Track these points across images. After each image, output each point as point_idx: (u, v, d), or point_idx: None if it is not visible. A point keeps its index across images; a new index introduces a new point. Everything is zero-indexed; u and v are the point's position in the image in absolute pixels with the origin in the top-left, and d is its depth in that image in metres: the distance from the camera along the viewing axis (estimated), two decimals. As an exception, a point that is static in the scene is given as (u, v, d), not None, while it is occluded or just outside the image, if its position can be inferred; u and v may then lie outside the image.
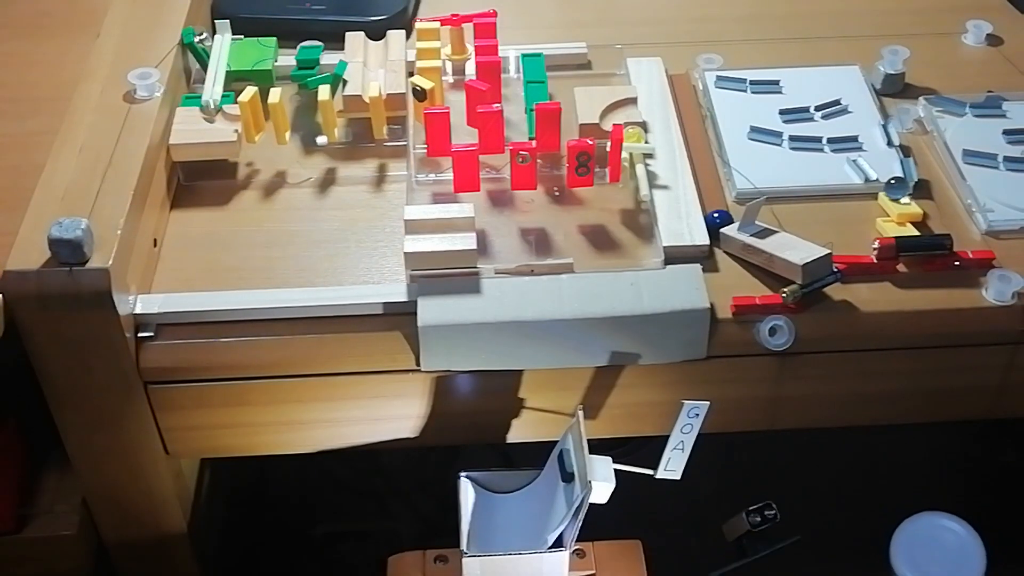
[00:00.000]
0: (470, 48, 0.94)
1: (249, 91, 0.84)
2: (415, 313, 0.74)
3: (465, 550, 0.72)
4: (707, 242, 0.79)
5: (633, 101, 0.88)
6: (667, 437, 0.71)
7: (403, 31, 0.96)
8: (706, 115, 0.91)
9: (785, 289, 0.75)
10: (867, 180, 0.84)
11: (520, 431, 0.80)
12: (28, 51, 0.93)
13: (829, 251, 0.75)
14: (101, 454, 0.78)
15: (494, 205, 0.82)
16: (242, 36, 0.93)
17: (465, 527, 0.73)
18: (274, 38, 0.93)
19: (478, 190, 0.81)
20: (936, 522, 0.84)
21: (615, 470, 0.70)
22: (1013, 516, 1.02)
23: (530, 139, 0.86)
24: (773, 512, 0.85)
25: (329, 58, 0.91)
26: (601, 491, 0.70)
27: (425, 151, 0.84)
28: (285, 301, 0.75)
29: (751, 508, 0.86)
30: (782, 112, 0.90)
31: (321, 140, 0.87)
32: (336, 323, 0.75)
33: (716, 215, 0.80)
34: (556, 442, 0.80)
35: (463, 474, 0.76)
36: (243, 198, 0.84)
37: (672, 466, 0.72)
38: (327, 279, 0.78)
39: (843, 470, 1.07)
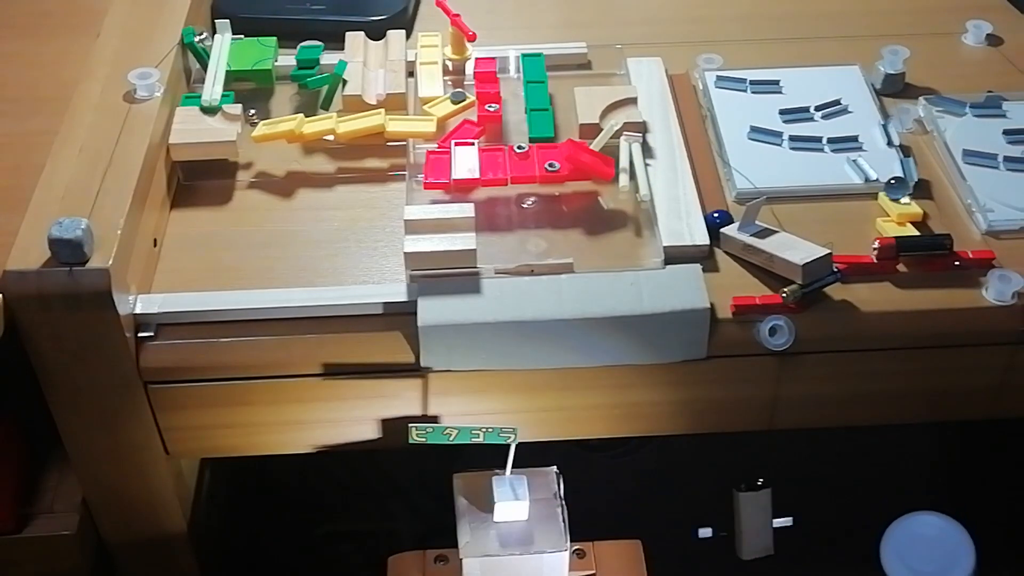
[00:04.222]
0: (470, 48, 0.94)
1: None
2: (415, 313, 0.74)
3: (464, 550, 0.72)
4: (707, 242, 0.79)
5: (633, 101, 0.88)
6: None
7: (403, 31, 0.96)
8: (706, 115, 0.91)
9: (785, 289, 0.75)
10: (867, 180, 0.84)
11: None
12: (28, 51, 0.93)
13: (829, 251, 0.75)
14: (101, 454, 0.78)
15: (494, 205, 0.82)
16: (242, 36, 0.93)
17: (464, 527, 0.73)
18: (274, 38, 0.93)
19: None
20: (925, 520, 0.85)
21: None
22: (1005, 513, 1.02)
23: (531, 141, 0.86)
24: (759, 482, 0.87)
25: (329, 58, 0.91)
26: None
27: (424, 152, 0.84)
28: (285, 301, 0.75)
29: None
30: (782, 112, 0.90)
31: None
32: (336, 323, 0.75)
33: (716, 215, 0.80)
34: (556, 442, 0.80)
35: (461, 474, 0.76)
36: (243, 198, 0.84)
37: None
38: (327, 279, 0.78)
39: (840, 467, 1.07)
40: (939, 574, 0.83)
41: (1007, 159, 0.86)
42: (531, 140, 0.86)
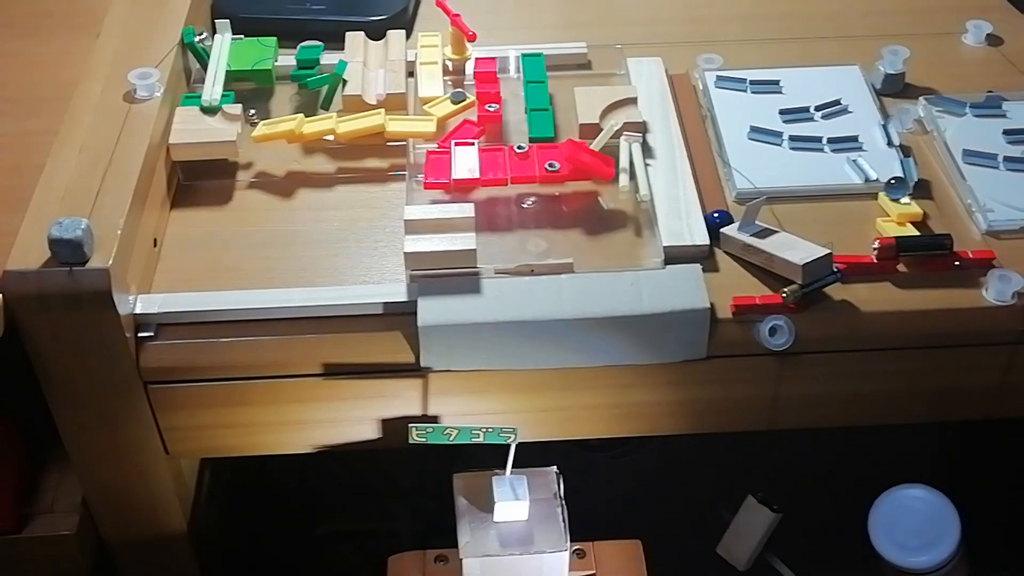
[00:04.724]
0: (470, 48, 0.94)
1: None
2: (415, 313, 0.74)
3: (464, 550, 0.72)
4: (707, 242, 0.79)
5: (633, 101, 0.88)
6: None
7: (403, 31, 0.96)
8: (706, 115, 0.90)
9: (785, 289, 0.75)
10: (867, 180, 0.84)
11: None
12: (29, 51, 0.93)
13: (829, 251, 0.75)
14: (101, 454, 0.78)
15: (494, 205, 0.82)
16: (242, 36, 0.93)
17: (464, 527, 0.73)
18: (274, 38, 0.93)
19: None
20: (909, 494, 0.85)
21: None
22: (1005, 512, 1.02)
23: (531, 141, 0.86)
24: (760, 494, 0.88)
25: (329, 58, 0.91)
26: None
27: (424, 152, 0.84)
28: (285, 301, 0.75)
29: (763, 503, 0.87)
30: (782, 112, 0.90)
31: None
32: (336, 323, 0.75)
33: (716, 215, 0.80)
34: (556, 442, 0.80)
35: (461, 474, 0.76)
36: (243, 198, 0.84)
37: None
38: (327, 279, 0.78)
39: (840, 467, 1.07)
40: (926, 547, 0.84)
41: (1007, 159, 0.86)
42: (531, 140, 0.86)
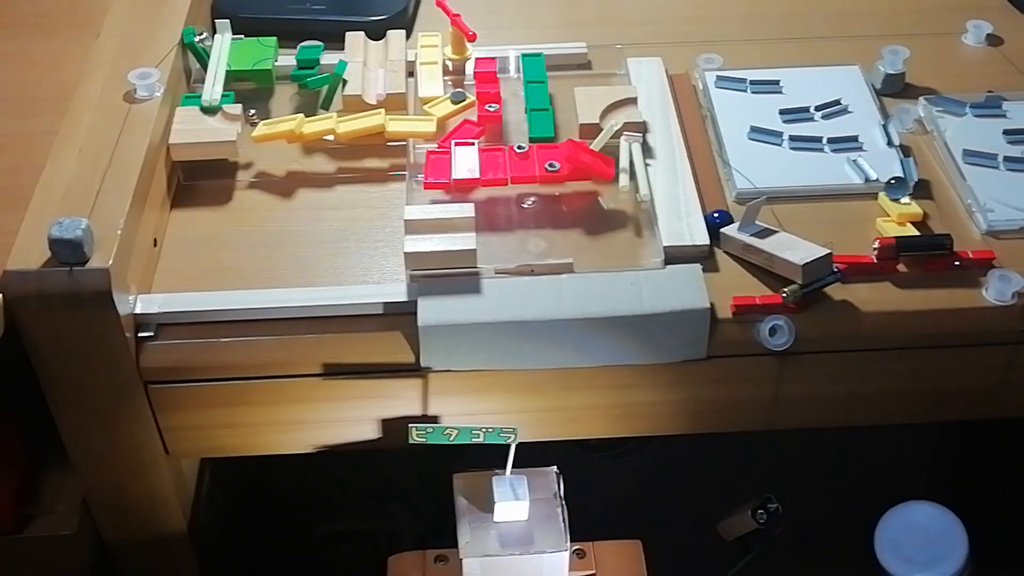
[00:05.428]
0: (470, 48, 0.94)
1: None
2: (415, 313, 0.74)
3: (464, 550, 0.72)
4: (707, 242, 0.79)
5: (633, 101, 0.88)
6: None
7: (403, 31, 0.96)
8: (706, 115, 0.90)
9: (785, 289, 0.75)
10: (867, 180, 0.84)
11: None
12: (28, 51, 0.93)
13: (829, 251, 0.75)
14: (101, 454, 0.78)
15: (494, 205, 0.82)
16: (242, 36, 0.93)
17: (464, 527, 0.73)
18: (274, 38, 0.93)
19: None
20: (917, 510, 0.85)
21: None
22: (1005, 512, 1.02)
23: (531, 141, 0.86)
24: (775, 505, 0.86)
25: (329, 58, 0.91)
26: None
27: (424, 152, 0.84)
28: (285, 301, 0.75)
29: (755, 507, 0.86)
30: (782, 112, 0.90)
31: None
32: (336, 323, 0.75)
33: (716, 215, 0.80)
34: (556, 442, 0.80)
35: (461, 474, 0.76)
36: (243, 198, 0.84)
37: None
38: (327, 279, 0.78)
39: (839, 467, 1.07)
40: (932, 563, 0.84)
41: (1007, 159, 0.86)
42: (531, 140, 0.86)
